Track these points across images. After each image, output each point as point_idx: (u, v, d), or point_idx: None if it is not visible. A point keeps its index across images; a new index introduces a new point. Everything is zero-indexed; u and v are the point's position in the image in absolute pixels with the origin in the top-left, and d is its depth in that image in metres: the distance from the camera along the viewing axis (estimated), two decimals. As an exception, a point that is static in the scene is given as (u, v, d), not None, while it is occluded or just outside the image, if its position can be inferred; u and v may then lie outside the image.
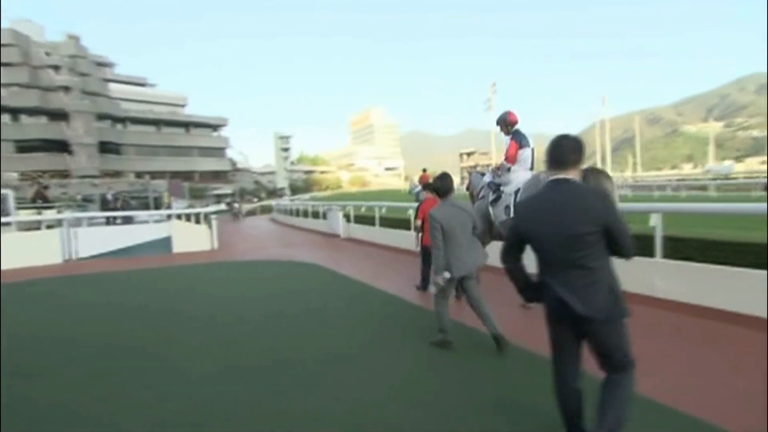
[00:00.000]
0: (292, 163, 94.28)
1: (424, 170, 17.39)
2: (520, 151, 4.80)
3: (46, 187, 12.44)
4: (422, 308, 5.04)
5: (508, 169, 4.87)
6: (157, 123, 60.44)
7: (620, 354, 1.89)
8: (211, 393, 2.99)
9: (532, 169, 4.89)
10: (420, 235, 5.57)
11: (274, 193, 66.03)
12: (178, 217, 12.37)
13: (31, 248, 9.67)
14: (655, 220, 4.95)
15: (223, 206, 31.71)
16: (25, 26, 56.45)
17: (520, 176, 4.73)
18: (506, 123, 4.98)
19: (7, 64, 50.21)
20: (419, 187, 15.77)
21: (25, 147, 48.91)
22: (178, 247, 11.25)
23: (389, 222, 11.11)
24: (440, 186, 3.63)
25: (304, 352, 3.76)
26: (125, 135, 56.55)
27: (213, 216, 12.33)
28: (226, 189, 56.35)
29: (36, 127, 49.86)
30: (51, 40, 55.69)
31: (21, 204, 11.96)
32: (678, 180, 34.70)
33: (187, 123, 63.46)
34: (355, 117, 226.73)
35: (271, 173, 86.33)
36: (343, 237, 13.45)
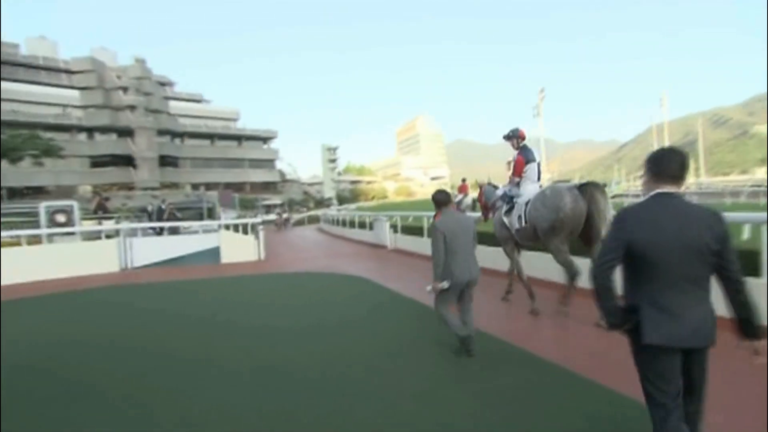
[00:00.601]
0: (339, 173, 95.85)
1: (464, 180, 16.88)
2: (527, 166, 5.27)
3: (107, 199, 13.20)
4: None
5: (518, 183, 5.41)
6: (211, 137, 63.74)
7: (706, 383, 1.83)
8: (241, 402, 3.04)
9: (538, 180, 5.38)
10: None
11: (321, 203, 67.28)
12: (227, 227, 12.58)
13: (92, 257, 10.13)
14: (748, 232, 4.23)
15: (273, 216, 32.71)
16: (101, 53, 62.18)
17: (529, 189, 5.25)
18: (517, 138, 5.43)
19: (85, 88, 55.20)
20: (460, 197, 15.76)
21: (98, 162, 53.25)
22: (226, 258, 11.40)
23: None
24: (439, 198, 3.91)
25: (339, 367, 3.67)
26: (183, 149, 60.01)
27: (260, 227, 12.44)
28: (276, 199, 58.11)
29: (107, 144, 54.13)
30: (122, 64, 60.49)
31: (85, 215, 12.72)
32: (753, 185, 31.11)
33: (239, 136, 66.42)
34: (401, 127, 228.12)
35: (319, 183, 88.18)
36: (390, 248, 13.14)
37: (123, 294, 7.63)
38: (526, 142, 5.45)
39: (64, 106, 54.53)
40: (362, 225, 16.93)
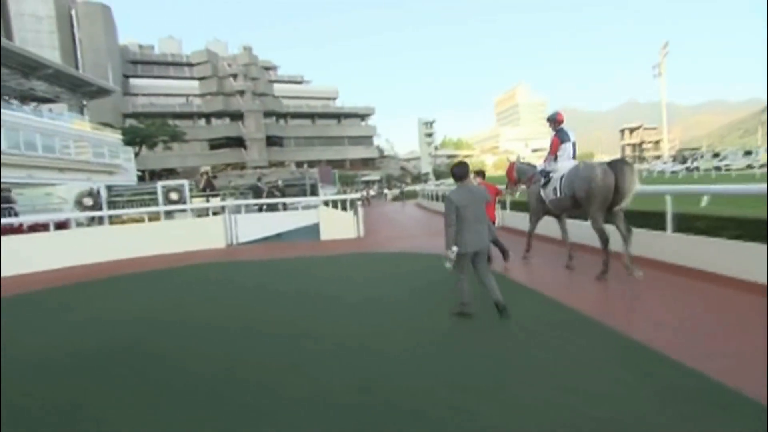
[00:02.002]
0: (436, 147, 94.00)
1: None
2: (562, 146, 5.94)
3: (214, 177, 13.74)
4: (590, 319, 3.88)
5: (555, 159, 6.05)
6: (312, 116, 66.25)
7: None
8: (334, 381, 3.07)
9: (573, 158, 5.97)
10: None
11: (418, 178, 66.62)
12: (326, 204, 12.30)
13: (202, 233, 10.49)
14: None
15: (372, 192, 33.32)
16: (215, 45, 67.90)
17: (564, 165, 5.89)
18: (555, 122, 6.07)
19: (203, 78, 60.78)
20: None
21: (214, 144, 58.76)
22: (325, 234, 11.08)
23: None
24: (457, 172, 4.03)
25: (426, 347, 3.58)
26: (286, 129, 63.35)
27: (359, 203, 11.90)
28: (374, 175, 58.80)
29: (221, 128, 59.29)
30: (232, 53, 65.34)
31: (199, 193, 13.45)
32: None
33: (338, 114, 68.05)
34: (500, 97, 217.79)
35: (416, 159, 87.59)
36: (497, 226, 11.78)
37: (224, 271, 7.57)
38: (563, 125, 6.09)
39: (187, 95, 60.71)
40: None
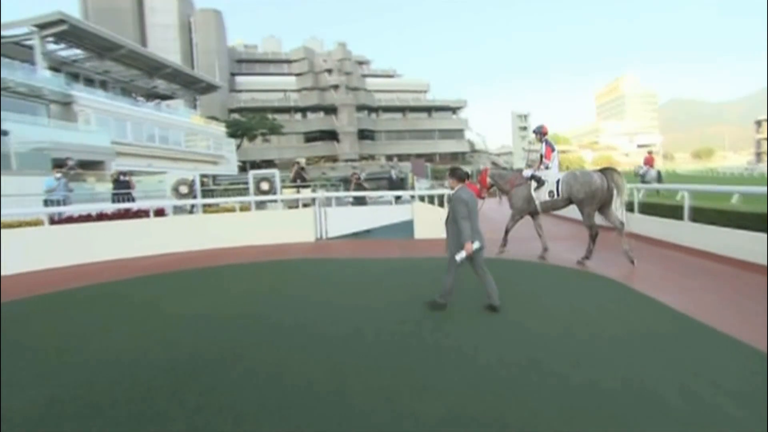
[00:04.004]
0: (530, 142, 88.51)
1: (650, 152, 16.46)
2: (552, 154, 7.04)
3: (303, 168, 13.36)
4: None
5: (547, 167, 7.02)
6: (403, 110, 65.81)
7: None
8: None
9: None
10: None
11: (510, 174, 63.07)
12: (421, 199, 11.19)
13: (291, 225, 9.99)
14: None
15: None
16: (312, 42, 70.66)
17: (554, 171, 7.00)
18: (541, 134, 7.14)
19: (299, 74, 63.45)
20: (644, 168, 14.91)
21: (309, 138, 61.07)
22: (419, 233, 9.95)
23: (709, 215, 7.09)
24: (461, 174, 4.53)
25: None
26: (378, 123, 63.65)
27: (457, 198, 10.56)
28: (464, 170, 56.31)
29: (316, 121, 61.37)
30: (327, 49, 67.34)
31: (288, 184, 13.24)
32: None
33: (429, 108, 66.80)
34: (602, 89, 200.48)
35: (508, 153, 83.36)
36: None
37: (312, 270, 6.83)
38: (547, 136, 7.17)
39: (285, 91, 63.84)
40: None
